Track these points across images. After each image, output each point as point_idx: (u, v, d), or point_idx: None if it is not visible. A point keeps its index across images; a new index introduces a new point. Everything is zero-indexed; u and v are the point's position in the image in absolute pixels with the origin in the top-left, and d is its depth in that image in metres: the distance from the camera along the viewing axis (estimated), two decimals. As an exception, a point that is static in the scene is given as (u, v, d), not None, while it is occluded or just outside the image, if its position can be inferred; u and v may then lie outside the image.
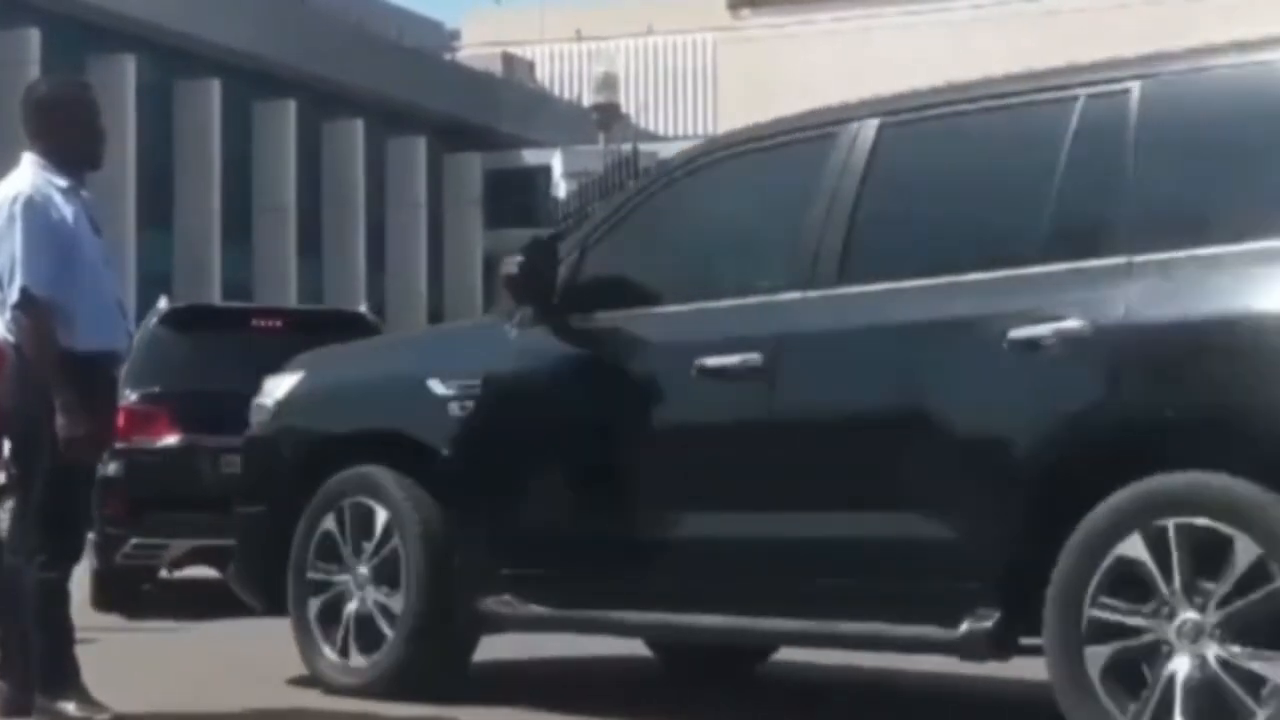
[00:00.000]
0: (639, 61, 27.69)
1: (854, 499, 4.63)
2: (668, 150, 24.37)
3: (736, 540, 4.76)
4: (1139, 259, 4.13)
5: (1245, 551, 3.69)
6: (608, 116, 24.11)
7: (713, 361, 4.76)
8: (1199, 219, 4.13)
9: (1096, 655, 3.84)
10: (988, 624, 4.22)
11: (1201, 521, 3.82)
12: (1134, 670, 3.82)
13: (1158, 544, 3.88)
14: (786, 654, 5.81)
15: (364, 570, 5.16)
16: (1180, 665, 3.77)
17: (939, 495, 4.41)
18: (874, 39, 25.42)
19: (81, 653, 4.46)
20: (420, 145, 26.02)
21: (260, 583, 5.39)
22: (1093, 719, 3.91)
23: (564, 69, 27.86)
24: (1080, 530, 4.01)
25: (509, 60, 26.60)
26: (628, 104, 27.01)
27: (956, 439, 4.41)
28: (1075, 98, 4.43)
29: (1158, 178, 4.26)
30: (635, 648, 6.14)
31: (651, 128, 27.58)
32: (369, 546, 5.17)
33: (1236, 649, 3.65)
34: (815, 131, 4.95)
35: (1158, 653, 3.80)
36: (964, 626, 4.27)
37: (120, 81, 22.07)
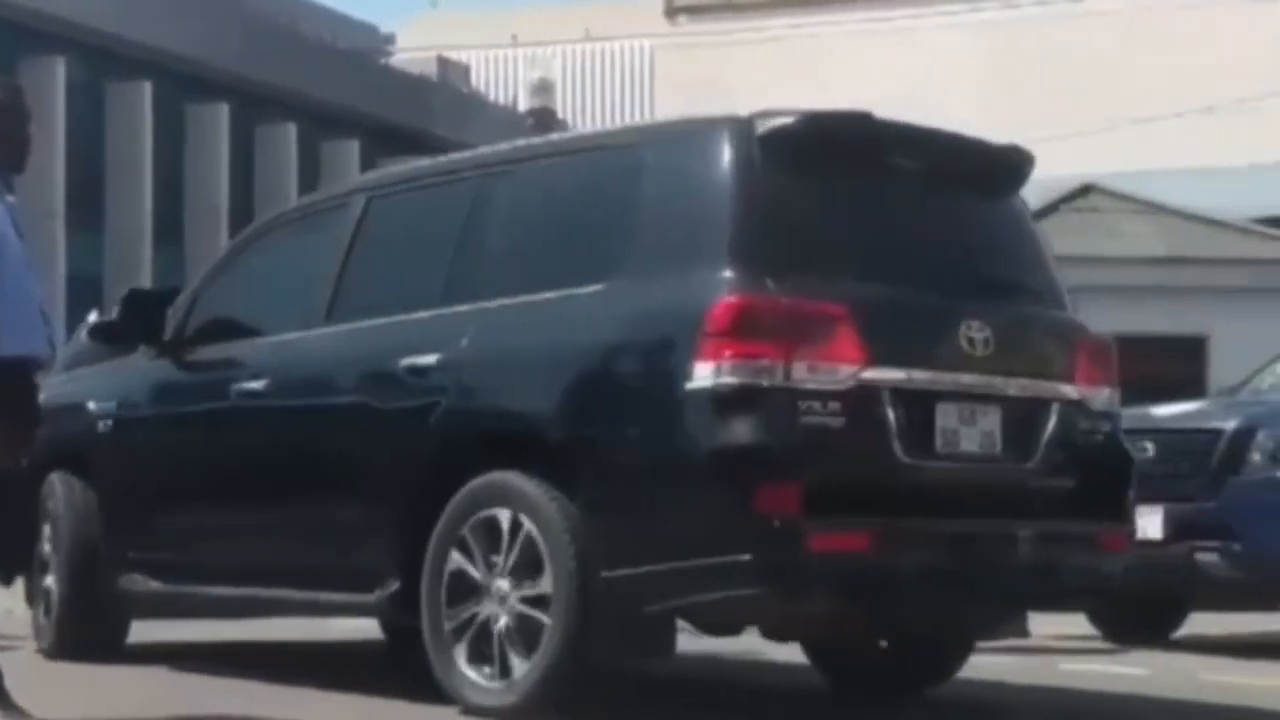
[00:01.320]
0: (575, 66, 28.22)
1: (308, 491, 6.10)
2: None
3: (245, 524, 6.33)
4: (485, 305, 5.61)
5: (525, 528, 5.19)
6: (543, 121, 24.60)
7: (242, 386, 6.40)
8: (522, 275, 5.60)
9: (451, 615, 5.36)
10: (392, 590, 5.62)
11: (496, 511, 5.30)
12: (478, 625, 5.32)
13: (476, 530, 5.34)
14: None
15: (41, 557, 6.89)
16: (496, 613, 5.28)
17: (357, 487, 5.85)
18: (811, 46, 26.07)
19: (5, 660, 4.88)
20: (354, 149, 26.40)
21: None
22: (447, 660, 5.38)
23: (500, 73, 28.35)
24: (442, 517, 5.43)
25: (444, 64, 27.05)
26: (564, 109, 27.52)
27: (370, 441, 5.86)
28: (465, 179, 6.10)
29: (503, 244, 5.84)
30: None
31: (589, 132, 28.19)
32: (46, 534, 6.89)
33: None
34: (334, 202, 6.68)
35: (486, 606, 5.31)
36: (376, 593, 5.66)
37: (50, 83, 22.35)
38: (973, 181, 5.92)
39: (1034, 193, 20.06)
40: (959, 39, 25.45)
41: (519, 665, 5.38)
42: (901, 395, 5.24)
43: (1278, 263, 17.04)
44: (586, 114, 28.20)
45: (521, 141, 6.58)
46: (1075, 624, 9.28)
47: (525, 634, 5.34)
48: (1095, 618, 9.81)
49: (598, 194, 5.66)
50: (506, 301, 5.64)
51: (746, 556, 4.89)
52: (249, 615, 7.23)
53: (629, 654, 5.36)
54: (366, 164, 27.60)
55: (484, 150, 6.57)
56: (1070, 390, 5.86)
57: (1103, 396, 6.06)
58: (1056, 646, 9.20)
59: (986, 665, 7.38)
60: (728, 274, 5.10)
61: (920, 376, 5.29)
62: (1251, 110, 22.83)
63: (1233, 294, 16.88)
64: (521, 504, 5.32)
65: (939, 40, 25.57)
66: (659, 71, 27.18)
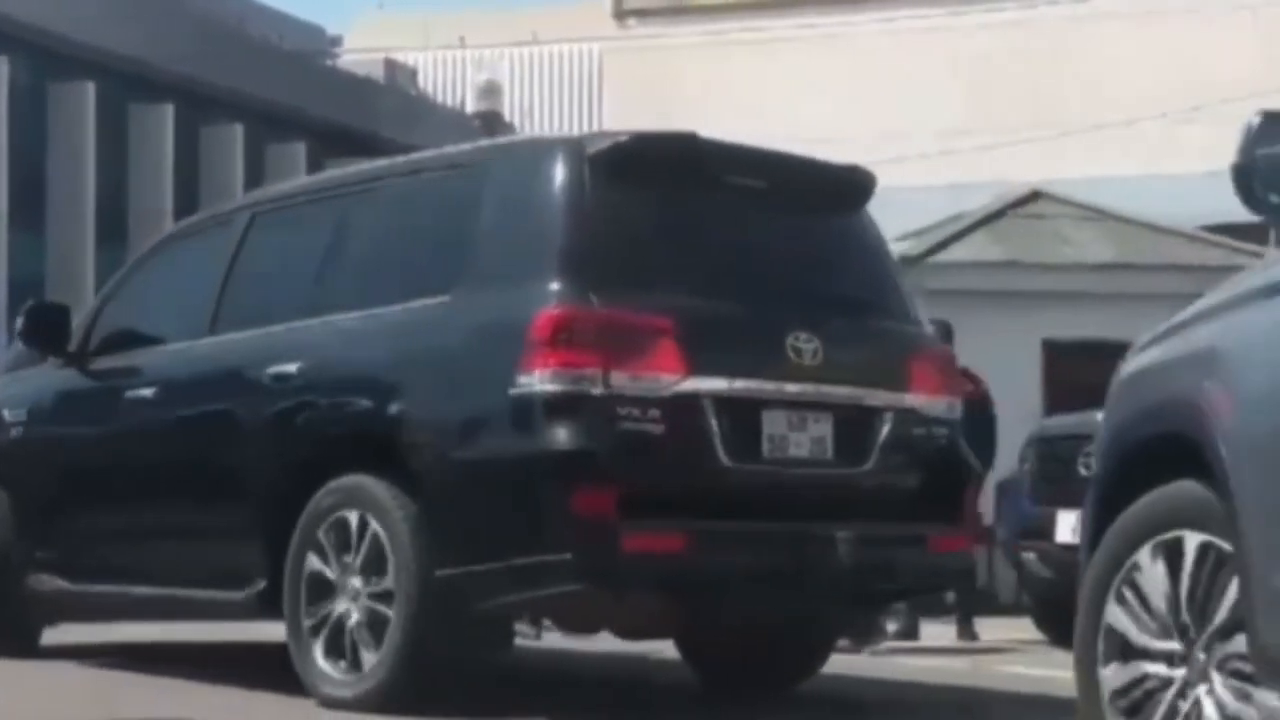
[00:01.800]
0: (523, 69, 28.45)
1: (189, 494, 6.51)
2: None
3: (137, 525, 6.71)
4: (344, 316, 6.10)
5: (371, 528, 5.70)
6: (490, 124, 24.88)
7: (134, 394, 6.77)
8: (379, 287, 6.11)
9: (310, 614, 5.94)
10: (260, 588, 6.05)
11: (347, 513, 5.78)
12: (334, 622, 5.83)
13: (330, 531, 5.85)
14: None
15: None
16: (349, 609, 5.82)
17: (229, 490, 6.28)
18: (761, 50, 26.35)
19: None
20: (300, 151, 26.60)
21: None
22: (306, 655, 5.92)
23: (447, 76, 28.58)
24: (300, 521, 5.90)
25: (391, 66, 27.30)
26: (511, 112, 27.80)
27: (240, 446, 6.29)
28: (332, 198, 6.63)
29: (362, 258, 6.32)
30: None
31: (537, 134, 28.42)
32: None
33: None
34: (222, 219, 7.19)
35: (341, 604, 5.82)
36: (245, 591, 6.07)
37: (-10, 83, 22.61)
38: (810, 200, 6.29)
39: (985, 198, 20.35)
40: (910, 43, 25.72)
41: (369, 659, 5.74)
42: (725, 403, 5.59)
43: (1223, 269, 17.39)
44: (534, 116, 28.43)
45: (383, 161, 7.01)
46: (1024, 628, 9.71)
47: (375, 629, 5.70)
48: (1038, 621, 10.23)
49: (445, 211, 6.05)
50: (362, 313, 6.03)
51: (566, 556, 5.24)
52: (144, 616, 7.59)
53: (465, 649, 5.70)
54: (313, 165, 27.84)
55: (350, 169, 7.02)
56: (905, 398, 6.22)
57: (940, 405, 6.42)
58: (996, 648, 9.57)
59: (918, 667, 7.76)
60: (554, 286, 5.46)
61: (744, 385, 5.65)
62: (1206, 117, 23.19)
63: (1178, 300, 17.22)
64: (369, 505, 5.70)
65: (890, 45, 25.84)
66: (607, 74, 27.41)
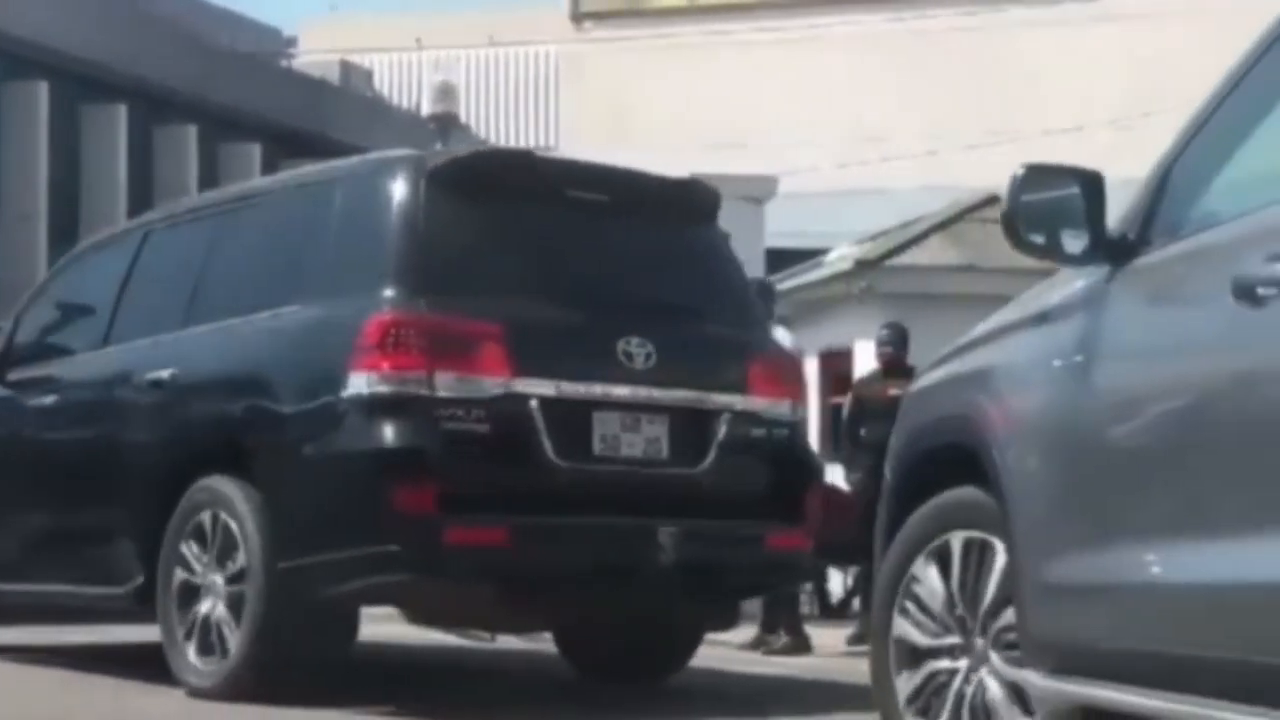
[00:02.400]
0: (480, 72, 28.80)
1: (83, 495, 6.97)
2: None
3: (43, 526, 7.28)
4: (213, 326, 6.60)
5: (225, 524, 6.17)
6: (445, 126, 25.21)
7: (38, 402, 7.43)
8: (245, 298, 6.60)
9: (181, 618, 6.39)
10: (138, 584, 6.51)
11: (208, 512, 6.24)
12: (201, 620, 6.36)
13: (194, 533, 6.34)
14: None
15: None
16: (213, 606, 6.30)
17: (111, 492, 6.76)
18: (717, 55, 26.73)
19: None
20: (255, 152, 26.93)
21: None
22: (177, 651, 6.42)
23: (403, 78, 28.93)
24: (169, 527, 6.37)
25: (346, 68, 27.66)
26: (468, 114, 28.16)
27: (118, 449, 6.79)
28: (210, 215, 7.24)
29: (232, 271, 6.91)
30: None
31: (493, 138, 28.71)
32: None
33: None
34: (124, 234, 7.83)
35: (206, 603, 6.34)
36: (126, 587, 6.57)
37: (-60, 83, 22.94)
38: (652, 214, 6.70)
39: (943, 202, 20.75)
40: (870, 48, 26.06)
41: (230, 649, 6.16)
42: (553, 404, 6.00)
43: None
44: (490, 119, 28.80)
45: (255, 181, 7.55)
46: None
47: (234, 623, 6.13)
48: None
49: (301, 226, 6.51)
50: (228, 322, 6.49)
51: (393, 548, 5.65)
52: (37, 612, 8.04)
53: (312, 637, 6.11)
54: (268, 167, 28.18)
55: (227, 189, 7.53)
56: (743, 401, 6.63)
57: (781, 407, 6.83)
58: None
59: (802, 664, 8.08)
60: (386, 294, 5.89)
61: (573, 388, 6.06)
62: (1157, 122, 23.60)
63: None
64: (224, 504, 6.13)
65: (849, 49, 26.18)
66: (564, 76, 27.79)
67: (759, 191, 15.24)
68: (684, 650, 7.46)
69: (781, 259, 17.37)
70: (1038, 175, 4.18)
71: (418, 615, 7.18)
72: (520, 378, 5.86)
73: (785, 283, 16.06)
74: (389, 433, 5.66)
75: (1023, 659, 4.13)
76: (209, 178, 28.29)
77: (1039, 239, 4.16)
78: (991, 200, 18.79)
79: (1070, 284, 4.25)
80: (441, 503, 5.63)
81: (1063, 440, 4.10)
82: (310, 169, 6.90)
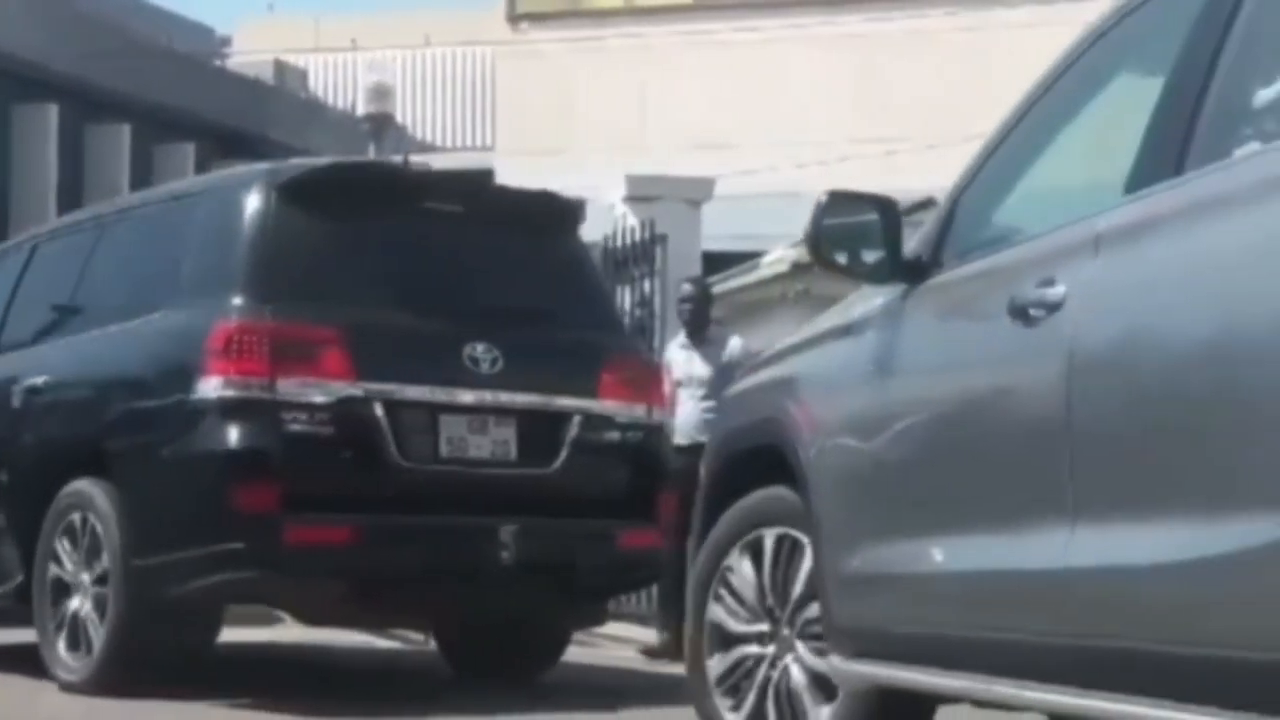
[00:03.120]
0: (416, 72, 29.07)
1: None
2: (442, 161, 25.71)
3: None
4: (86, 335, 6.90)
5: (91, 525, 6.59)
6: (379, 127, 25.50)
7: None
8: (115, 308, 6.91)
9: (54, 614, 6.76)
10: (18, 582, 6.91)
11: (76, 514, 6.62)
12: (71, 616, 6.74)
13: (63, 534, 6.66)
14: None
15: None
16: (82, 602, 6.63)
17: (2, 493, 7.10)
18: (656, 56, 27.06)
19: None
20: (189, 152, 27.15)
21: None
22: (50, 648, 6.77)
23: (338, 78, 29.18)
24: (43, 527, 6.80)
25: (281, 68, 27.92)
26: (404, 115, 28.43)
27: (3, 454, 7.17)
28: (88, 229, 7.64)
29: (105, 283, 7.25)
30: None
31: (429, 139, 29.01)
32: None
33: None
34: (16, 248, 8.21)
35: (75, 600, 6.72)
36: (7, 586, 6.98)
37: None
38: (509, 224, 7.05)
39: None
40: (815, 51, 26.39)
41: (96, 645, 6.51)
42: (399, 407, 6.34)
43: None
44: (428, 120, 29.09)
45: (130, 195, 7.87)
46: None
47: (98, 620, 6.47)
48: None
49: (167, 238, 6.86)
50: (99, 331, 6.86)
51: (238, 546, 5.99)
52: None
53: (171, 633, 6.45)
54: (202, 167, 28.41)
55: (105, 204, 7.88)
56: (594, 404, 6.99)
57: (636, 411, 7.18)
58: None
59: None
60: (234, 302, 6.23)
61: (418, 391, 6.40)
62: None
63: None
64: (90, 506, 6.47)
65: (794, 51, 26.51)
66: (501, 78, 28.07)
67: (696, 193, 15.51)
68: (554, 648, 7.80)
69: (726, 261, 17.70)
70: (839, 201, 4.59)
71: (303, 617, 7.49)
72: (363, 382, 6.20)
73: (721, 285, 16.39)
74: (233, 435, 6.00)
75: (826, 644, 4.51)
76: (142, 178, 28.49)
77: (842, 259, 4.54)
78: (927, 203, 19.18)
79: (871, 300, 4.64)
80: (284, 502, 5.97)
81: (859, 443, 4.50)
82: (178, 184, 7.26)
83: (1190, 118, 3.66)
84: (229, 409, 6.02)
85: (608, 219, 14.31)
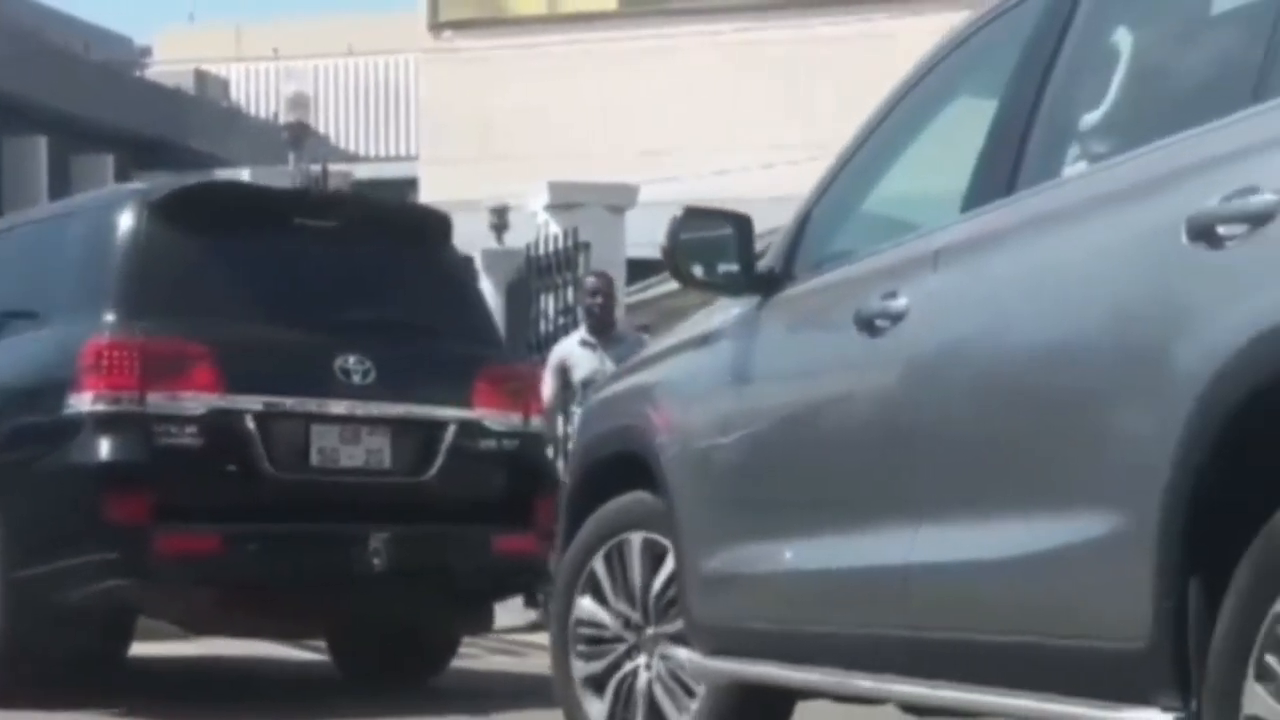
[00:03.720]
0: (338, 81, 29.24)
1: None
2: (363, 171, 25.85)
3: None
4: None
5: None
6: (298, 136, 25.63)
7: None
8: (6, 322, 7.00)
9: None
10: None
11: None
12: None
13: None
14: None
15: None
16: None
17: None
18: (580, 63, 27.29)
19: None
20: (108, 163, 27.24)
21: None
22: None
23: (259, 88, 29.33)
24: None
25: (202, 78, 28.06)
26: (326, 124, 28.60)
27: None
28: None
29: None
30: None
31: (351, 148, 29.18)
32: None
33: None
34: None
35: None
36: None
37: None
38: (382, 238, 7.29)
39: (789, 213, 21.39)
40: (740, 58, 26.62)
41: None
42: (269, 419, 6.58)
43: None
44: (350, 129, 29.27)
45: (23, 212, 8.02)
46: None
47: None
48: None
49: (52, 254, 7.09)
50: None
51: (111, 555, 6.22)
52: None
53: (54, 643, 6.66)
54: (121, 177, 28.49)
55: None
56: (469, 413, 7.23)
57: (511, 419, 7.43)
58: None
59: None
60: (107, 318, 6.47)
61: (288, 403, 6.64)
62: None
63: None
64: None
65: (720, 58, 26.74)
66: (424, 86, 28.24)
67: (620, 200, 15.68)
68: (442, 654, 8.03)
69: (651, 268, 17.93)
70: (695, 217, 4.85)
71: (185, 625, 7.68)
72: (233, 394, 6.44)
73: (646, 292, 16.57)
74: (104, 448, 6.25)
75: (687, 642, 4.79)
76: (60, 189, 28.55)
77: (699, 271, 4.79)
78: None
79: (728, 310, 4.89)
80: (154, 512, 6.21)
81: (716, 449, 4.77)
82: (63, 202, 7.48)
83: (1021, 139, 3.89)
84: (100, 423, 6.26)
85: (530, 226, 14.54)
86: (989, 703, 3.72)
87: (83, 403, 6.29)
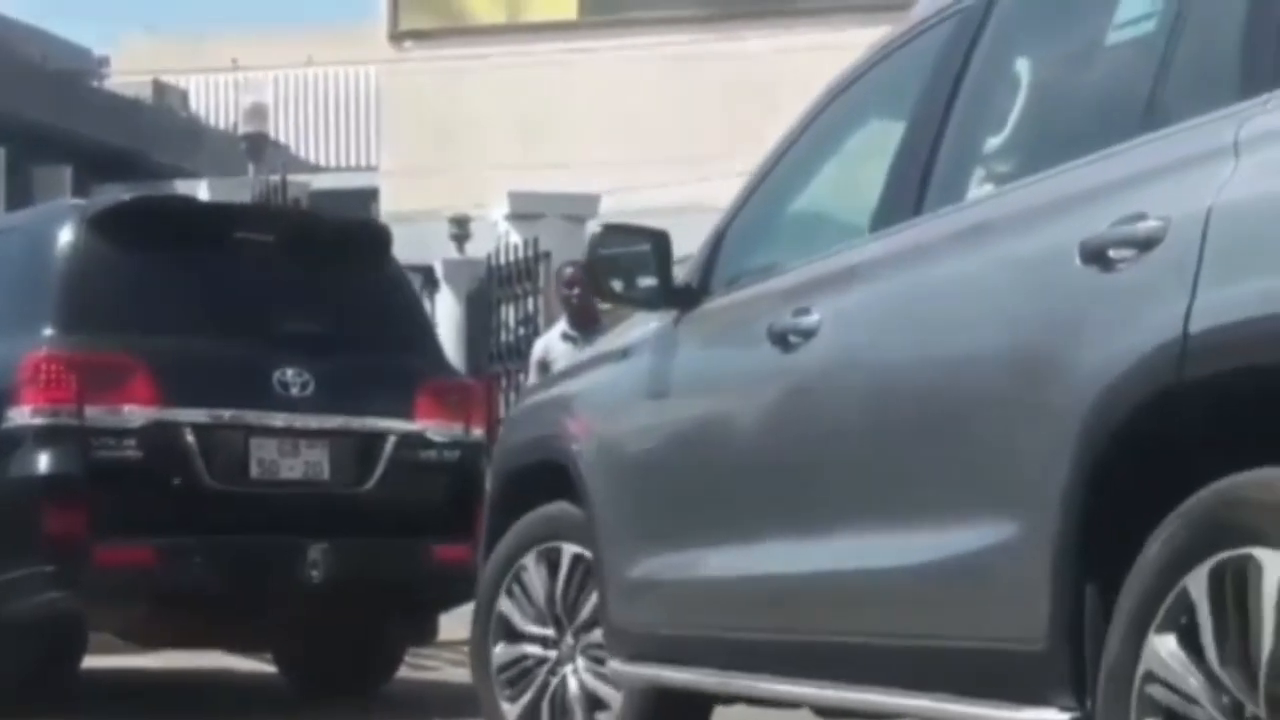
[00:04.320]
0: (298, 92, 29.30)
1: None
2: (323, 181, 25.89)
3: None
4: None
5: None
6: (257, 147, 25.71)
7: None
8: None
9: None
10: None
11: None
12: None
13: None
14: None
15: None
16: None
17: None
18: (539, 74, 27.37)
19: None
20: (66, 174, 27.29)
21: None
22: None
23: (219, 99, 29.38)
24: None
25: (160, 88, 28.09)
26: (286, 135, 28.66)
27: None
28: None
29: None
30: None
31: (312, 159, 29.23)
32: None
33: None
34: None
35: None
36: None
37: None
38: (321, 252, 7.41)
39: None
40: (700, 69, 26.72)
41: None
42: (207, 431, 6.69)
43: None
44: (310, 139, 29.32)
45: None
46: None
47: None
48: None
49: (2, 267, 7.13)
50: None
51: (49, 568, 6.32)
52: None
53: (5, 656, 6.74)
54: (80, 188, 28.50)
55: None
56: (408, 425, 7.35)
57: (453, 430, 7.55)
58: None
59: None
60: (46, 333, 6.57)
61: (227, 415, 6.75)
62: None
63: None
64: None
65: (677, 69, 26.84)
66: (385, 97, 28.31)
67: (581, 210, 15.79)
68: (387, 664, 8.14)
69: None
70: (614, 233, 5.02)
71: (130, 638, 7.77)
72: (171, 408, 6.55)
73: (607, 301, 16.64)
74: (42, 461, 6.36)
75: (606, 648, 4.93)
76: (19, 199, 28.57)
77: (618, 286, 4.93)
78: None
79: (646, 324, 5.04)
80: (92, 525, 6.31)
81: (634, 460, 4.92)
82: (6, 216, 7.56)
83: (928, 162, 4.07)
84: (39, 436, 6.37)
85: (491, 236, 14.64)
86: (895, 704, 3.87)
87: (21, 416, 6.39)
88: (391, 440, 7.19)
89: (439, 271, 14.57)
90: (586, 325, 9.50)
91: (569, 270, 9.96)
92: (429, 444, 7.35)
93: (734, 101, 26.12)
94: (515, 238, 13.44)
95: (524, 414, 5.81)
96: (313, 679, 8.21)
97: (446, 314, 14.11)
